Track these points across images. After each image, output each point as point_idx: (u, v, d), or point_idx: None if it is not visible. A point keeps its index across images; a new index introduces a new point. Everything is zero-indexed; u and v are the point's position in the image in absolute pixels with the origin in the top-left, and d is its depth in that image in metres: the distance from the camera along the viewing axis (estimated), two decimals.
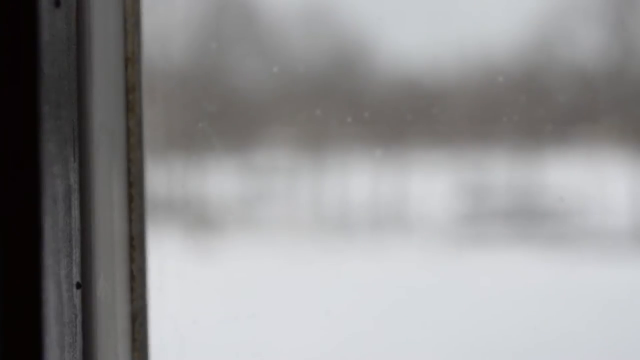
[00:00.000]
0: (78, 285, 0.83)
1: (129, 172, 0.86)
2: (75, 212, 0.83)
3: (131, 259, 0.90)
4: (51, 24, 0.79)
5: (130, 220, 0.91)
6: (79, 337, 0.85)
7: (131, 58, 0.88)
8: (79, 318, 0.84)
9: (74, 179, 0.83)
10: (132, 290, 0.88)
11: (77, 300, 0.83)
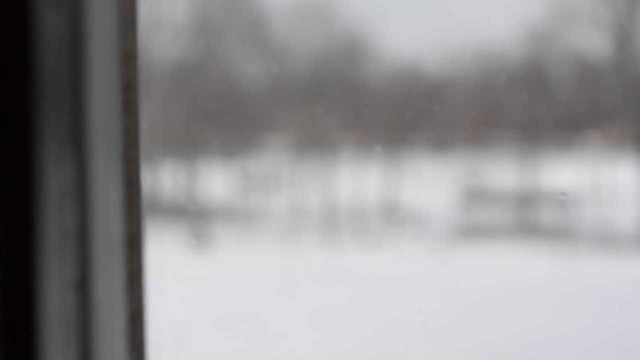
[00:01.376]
0: (75, 286, 0.83)
1: (126, 171, 0.84)
2: (73, 212, 0.83)
3: (129, 259, 0.89)
4: (47, 21, 0.79)
5: (128, 220, 0.90)
6: (76, 338, 0.84)
7: (128, 55, 0.87)
8: (77, 318, 0.83)
9: (71, 178, 0.82)
10: (130, 290, 0.87)
11: (75, 301, 0.83)
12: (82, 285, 0.83)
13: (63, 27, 0.80)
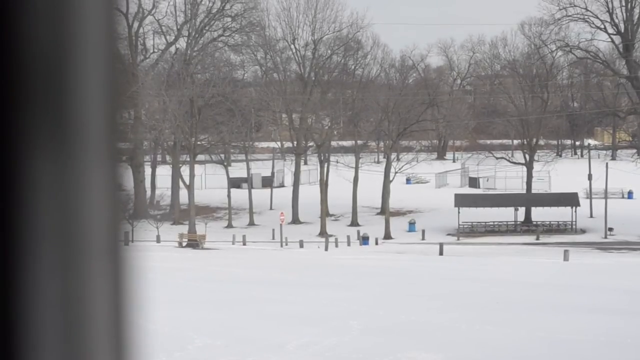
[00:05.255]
0: (58, 291, 0.81)
1: (112, 173, 0.81)
2: (54, 215, 0.82)
3: (124, 260, 0.87)
4: (30, 22, 0.78)
5: (121, 221, 0.87)
6: (65, 343, 0.84)
7: (116, 54, 0.84)
8: (61, 325, 0.82)
9: (53, 181, 0.81)
10: (116, 294, 0.85)
11: (58, 307, 0.82)
12: (65, 290, 0.82)
13: (47, 25, 0.79)
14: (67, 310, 0.79)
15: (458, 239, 63.99)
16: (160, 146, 76.48)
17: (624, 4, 76.45)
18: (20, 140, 0.78)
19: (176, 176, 68.55)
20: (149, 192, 75.87)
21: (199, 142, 65.71)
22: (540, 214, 68.10)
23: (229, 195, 70.43)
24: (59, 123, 0.80)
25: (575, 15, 77.55)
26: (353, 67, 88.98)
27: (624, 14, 76.57)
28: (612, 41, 78.24)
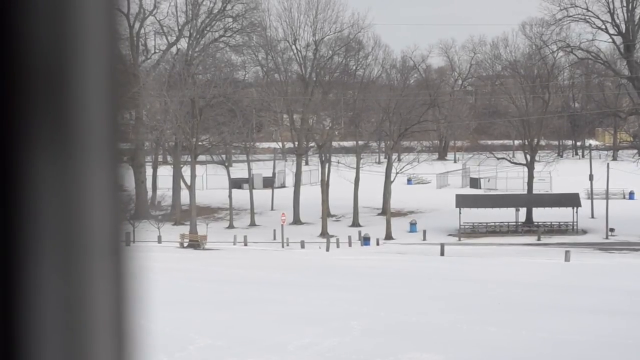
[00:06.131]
0: (59, 292, 0.81)
1: (114, 173, 0.81)
2: (56, 216, 0.81)
3: (125, 261, 0.87)
4: (31, 23, 0.77)
5: (122, 222, 0.87)
6: (67, 343, 0.83)
7: (118, 54, 0.83)
8: (68, 323, 0.82)
9: (62, 179, 0.81)
10: (116, 296, 0.85)
11: (60, 308, 0.81)
12: (67, 290, 0.81)
13: (48, 25, 0.79)
14: (68, 310, 0.79)
15: (459, 240, 63.97)
16: (162, 147, 76.57)
17: (625, 4, 76.42)
18: (21, 141, 0.78)
19: (177, 177, 68.59)
20: (150, 193, 75.91)
21: (200, 143, 65.74)
22: (541, 214, 68.06)
23: (230, 196, 70.44)
24: (60, 124, 0.79)
25: (576, 16, 77.55)
26: (354, 67, 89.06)
27: (625, 15, 76.54)
28: (613, 42, 78.25)
